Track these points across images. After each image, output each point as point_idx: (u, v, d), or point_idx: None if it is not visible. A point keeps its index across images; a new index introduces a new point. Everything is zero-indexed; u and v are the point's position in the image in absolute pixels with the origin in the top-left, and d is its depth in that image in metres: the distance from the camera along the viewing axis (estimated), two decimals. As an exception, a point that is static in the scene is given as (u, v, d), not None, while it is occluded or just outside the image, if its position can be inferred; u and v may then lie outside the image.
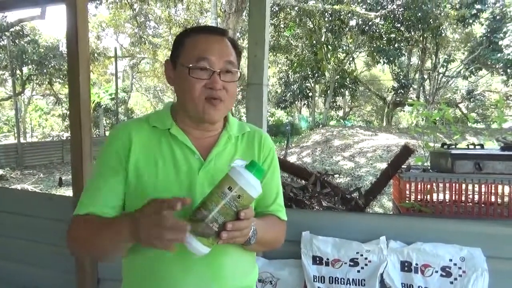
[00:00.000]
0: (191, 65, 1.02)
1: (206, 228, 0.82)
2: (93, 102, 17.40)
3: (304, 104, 25.16)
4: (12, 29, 15.24)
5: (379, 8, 17.28)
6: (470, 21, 17.11)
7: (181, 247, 0.85)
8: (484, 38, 17.77)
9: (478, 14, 16.97)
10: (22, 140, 15.70)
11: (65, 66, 15.38)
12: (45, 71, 16.53)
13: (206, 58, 1.03)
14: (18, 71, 16.54)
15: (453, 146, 3.86)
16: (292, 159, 11.54)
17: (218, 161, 1.08)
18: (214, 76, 1.02)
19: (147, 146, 1.06)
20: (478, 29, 19.09)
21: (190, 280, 0.98)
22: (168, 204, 0.83)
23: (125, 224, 0.91)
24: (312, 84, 22.37)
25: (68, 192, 9.10)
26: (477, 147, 3.86)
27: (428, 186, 3.57)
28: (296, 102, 23.83)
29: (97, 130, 19.07)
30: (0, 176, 11.71)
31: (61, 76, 17.23)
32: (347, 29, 18.45)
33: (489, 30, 17.43)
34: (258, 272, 1.22)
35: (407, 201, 3.58)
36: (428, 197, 3.63)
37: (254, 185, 0.85)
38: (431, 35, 18.42)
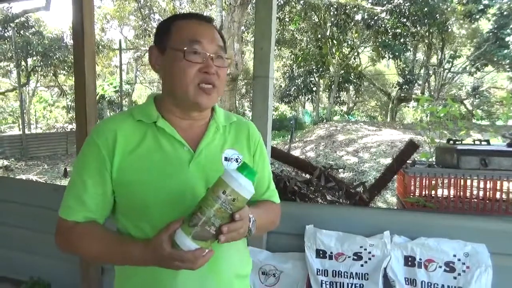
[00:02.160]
0: (185, 48, 0.98)
1: (204, 232, 0.85)
2: (98, 94, 17.39)
3: (308, 98, 25.06)
4: (17, 20, 15.27)
5: (385, 2, 17.13)
6: (477, 16, 16.93)
7: None
8: (491, 34, 17.58)
9: (485, 9, 16.79)
10: (26, 131, 15.77)
11: (70, 58, 15.42)
12: (49, 62, 16.53)
13: (199, 41, 1.00)
14: (23, 63, 16.57)
15: (459, 142, 3.85)
16: (296, 153, 11.52)
17: (208, 151, 1.06)
18: (208, 60, 1.00)
19: (132, 142, 1.01)
20: (485, 25, 18.89)
21: (186, 272, 0.95)
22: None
23: (137, 255, 0.94)
24: (317, 79, 22.25)
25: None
26: (483, 143, 3.85)
27: (433, 181, 3.57)
28: (300, 97, 23.72)
29: (101, 123, 19.07)
30: (5, 167, 11.79)
31: (66, 68, 17.24)
32: (352, 23, 18.31)
33: (496, 26, 17.24)
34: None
35: (411, 196, 3.58)
36: (433, 192, 3.63)
37: (246, 187, 0.87)
38: (437, 31, 18.24)
